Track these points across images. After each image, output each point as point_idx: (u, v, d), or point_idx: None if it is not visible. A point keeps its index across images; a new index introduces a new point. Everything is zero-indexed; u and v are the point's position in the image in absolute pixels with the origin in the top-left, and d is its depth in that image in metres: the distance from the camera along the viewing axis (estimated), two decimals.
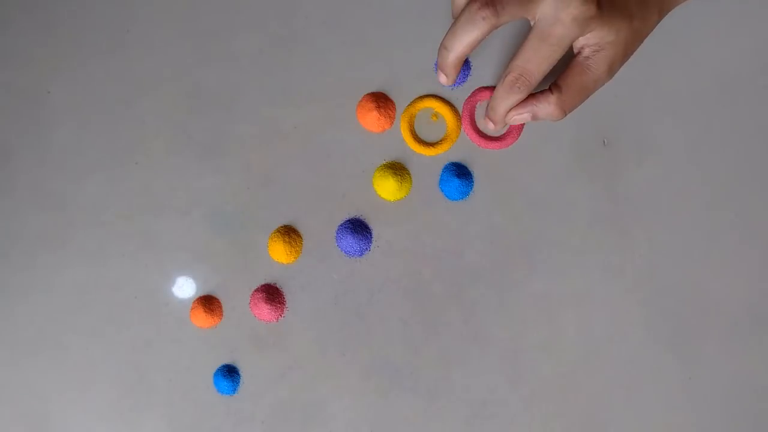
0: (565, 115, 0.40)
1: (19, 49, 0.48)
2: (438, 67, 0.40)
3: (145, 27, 0.48)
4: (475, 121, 0.47)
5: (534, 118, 0.41)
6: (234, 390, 0.45)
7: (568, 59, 0.40)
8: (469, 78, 0.47)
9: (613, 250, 0.46)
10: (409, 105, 0.47)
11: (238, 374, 0.46)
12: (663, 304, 0.46)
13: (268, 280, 0.46)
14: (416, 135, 0.47)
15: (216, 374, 0.45)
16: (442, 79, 0.41)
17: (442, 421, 0.45)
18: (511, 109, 0.40)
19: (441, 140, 0.47)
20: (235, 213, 0.47)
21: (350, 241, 0.46)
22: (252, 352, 0.46)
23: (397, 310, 0.46)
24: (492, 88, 0.47)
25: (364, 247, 0.46)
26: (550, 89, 0.40)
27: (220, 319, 0.46)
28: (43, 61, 0.48)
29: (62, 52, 0.48)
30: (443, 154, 0.47)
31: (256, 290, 0.46)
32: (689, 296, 0.46)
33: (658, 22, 0.41)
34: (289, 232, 0.46)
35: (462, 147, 0.47)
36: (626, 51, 0.40)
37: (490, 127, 0.42)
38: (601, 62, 0.39)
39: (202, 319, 0.46)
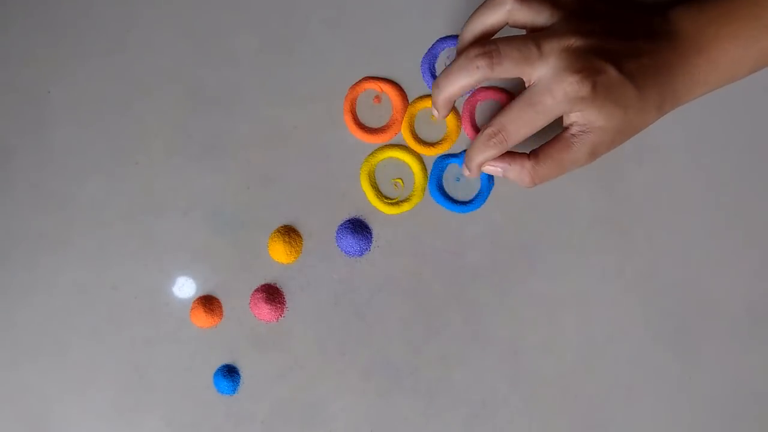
0: (535, 185, 0.41)
1: (19, 49, 0.48)
2: (432, 101, 0.42)
3: (145, 27, 0.48)
4: (475, 121, 0.47)
5: (504, 176, 0.41)
6: (234, 390, 0.45)
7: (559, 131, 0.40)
8: None
9: (613, 250, 0.46)
10: (409, 105, 0.47)
11: (238, 374, 0.46)
12: (663, 304, 0.46)
13: (268, 280, 0.46)
14: (416, 135, 0.47)
15: (216, 374, 0.45)
16: (435, 113, 0.42)
17: (442, 421, 0.45)
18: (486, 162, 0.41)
19: (441, 140, 0.47)
20: (235, 213, 0.47)
21: (350, 241, 0.46)
22: (252, 352, 0.46)
23: (397, 310, 0.46)
24: (493, 89, 0.47)
25: (364, 247, 0.46)
26: (528, 155, 0.40)
27: (220, 319, 0.46)
28: (43, 61, 0.48)
29: (62, 52, 0.48)
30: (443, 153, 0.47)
31: (256, 290, 0.46)
32: (689, 296, 0.46)
33: (656, 118, 0.41)
34: (289, 232, 0.46)
35: (462, 147, 0.47)
36: (614, 139, 0.40)
37: (465, 173, 0.43)
38: (585, 144, 0.39)
39: (202, 319, 0.46)
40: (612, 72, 0.38)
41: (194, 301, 0.46)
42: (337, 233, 0.46)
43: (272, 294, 0.46)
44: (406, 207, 0.47)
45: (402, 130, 0.47)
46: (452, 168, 0.47)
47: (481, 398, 0.45)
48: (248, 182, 0.47)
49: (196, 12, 0.48)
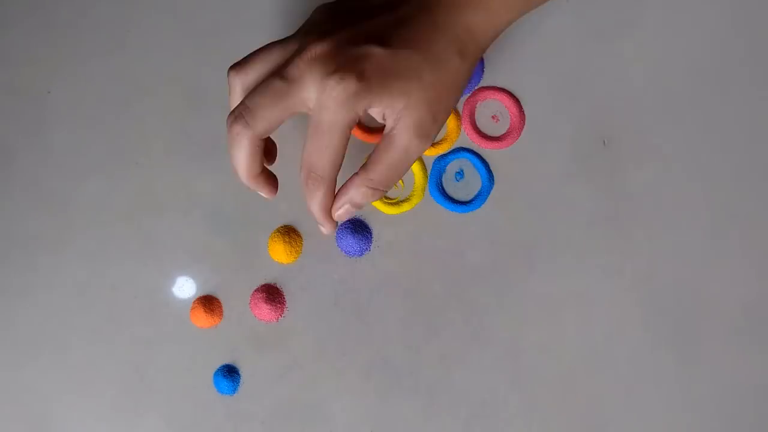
0: (384, 192, 0.37)
1: (19, 49, 0.48)
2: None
3: (145, 27, 0.48)
4: (475, 121, 0.47)
5: (357, 206, 0.38)
6: (234, 390, 0.45)
7: None
8: (482, 80, 0.47)
9: (613, 250, 0.46)
10: None
11: (238, 374, 0.46)
12: (663, 304, 0.46)
13: (268, 280, 0.46)
14: None
15: (216, 374, 0.45)
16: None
17: (442, 421, 0.45)
18: (330, 207, 0.38)
19: (441, 140, 0.47)
20: (235, 213, 0.47)
21: (350, 241, 0.46)
22: (252, 352, 0.46)
23: (397, 310, 0.46)
24: (493, 89, 0.47)
25: (364, 247, 0.46)
26: (357, 171, 0.37)
27: (220, 319, 0.46)
28: (43, 61, 0.48)
29: (62, 52, 0.48)
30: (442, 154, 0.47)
31: (256, 290, 0.46)
32: (689, 296, 0.46)
33: (471, 63, 0.37)
34: (289, 232, 0.46)
35: (462, 147, 0.47)
36: (432, 109, 0.36)
37: (325, 232, 0.39)
38: (404, 130, 0.36)
39: (202, 319, 0.46)
40: (374, 50, 0.35)
41: (194, 301, 0.46)
42: (337, 233, 0.46)
43: (272, 294, 0.46)
44: (406, 207, 0.47)
45: None
46: (452, 168, 0.47)
47: (481, 398, 0.45)
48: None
49: (196, 12, 0.48)
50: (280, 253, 0.46)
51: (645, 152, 0.47)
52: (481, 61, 0.47)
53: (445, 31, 0.36)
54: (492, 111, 0.47)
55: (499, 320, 0.46)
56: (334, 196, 0.37)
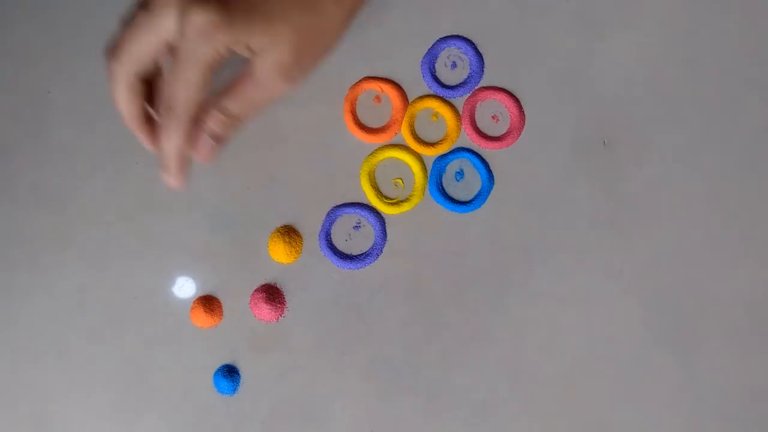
0: (239, 124, 0.36)
1: (19, 49, 0.48)
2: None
3: None
4: (475, 121, 0.47)
5: (217, 139, 0.36)
6: (234, 390, 0.45)
7: None
8: (482, 80, 0.47)
9: (613, 250, 0.46)
10: (409, 105, 0.47)
11: (238, 374, 0.46)
12: (663, 304, 0.46)
13: (268, 280, 0.46)
14: (416, 135, 0.47)
15: (216, 374, 0.45)
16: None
17: (442, 421, 0.45)
18: (183, 151, 0.36)
19: (441, 140, 0.47)
20: (235, 213, 0.47)
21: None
22: (252, 352, 0.46)
23: (397, 310, 0.46)
24: (493, 89, 0.47)
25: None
26: (211, 98, 0.36)
27: (220, 319, 0.46)
28: (43, 61, 0.48)
29: (62, 52, 0.48)
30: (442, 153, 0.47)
31: (256, 290, 0.46)
32: (689, 296, 0.46)
33: (343, 10, 0.36)
34: (289, 232, 0.46)
35: (462, 147, 0.47)
36: (298, 51, 0.35)
37: (170, 183, 0.37)
38: (266, 67, 0.35)
39: (202, 319, 0.46)
40: None
41: (194, 301, 0.46)
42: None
43: (272, 294, 0.46)
44: (406, 207, 0.47)
45: (402, 130, 0.47)
46: (452, 168, 0.47)
47: (481, 398, 0.45)
48: (248, 182, 0.47)
49: None
50: (280, 253, 0.46)
51: (645, 152, 0.47)
52: (481, 61, 0.47)
53: None
54: (492, 111, 0.47)
55: (499, 320, 0.46)
56: (188, 136, 0.35)
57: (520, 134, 0.47)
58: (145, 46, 0.34)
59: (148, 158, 0.47)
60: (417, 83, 0.47)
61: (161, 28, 0.34)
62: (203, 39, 0.33)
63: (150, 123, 0.37)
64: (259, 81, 0.35)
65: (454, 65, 0.47)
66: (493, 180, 0.46)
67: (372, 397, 0.46)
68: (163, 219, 0.47)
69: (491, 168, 0.47)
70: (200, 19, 0.33)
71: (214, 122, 0.36)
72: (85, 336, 0.46)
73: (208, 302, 0.46)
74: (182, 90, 0.34)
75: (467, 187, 0.47)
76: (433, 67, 0.47)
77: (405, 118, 0.47)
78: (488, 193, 0.46)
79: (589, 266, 0.46)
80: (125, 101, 0.36)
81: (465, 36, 0.47)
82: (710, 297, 0.46)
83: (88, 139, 0.47)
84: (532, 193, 0.46)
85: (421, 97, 0.47)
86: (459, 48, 0.47)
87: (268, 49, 0.35)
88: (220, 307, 0.46)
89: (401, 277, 0.46)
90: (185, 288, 0.46)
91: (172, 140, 0.35)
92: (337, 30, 0.37)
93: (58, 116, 0.47)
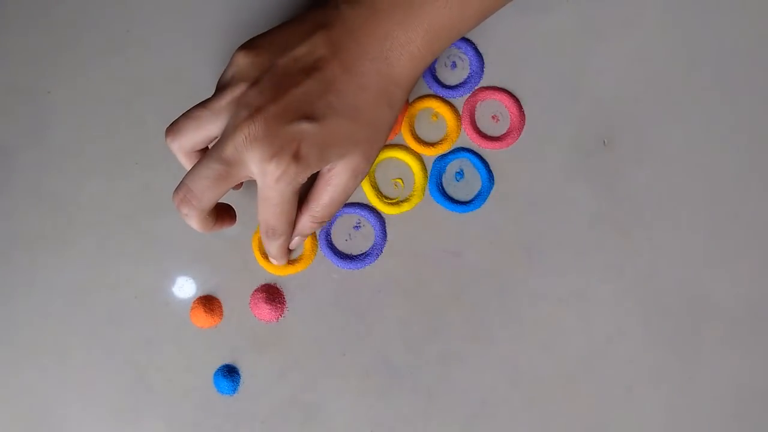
0: (322, 224, 0.41)
1: (19, 49, 0.48)
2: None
3: (145, 27, 0.48)
4: (475, 121, 0.47)
5: (304, 236, 0.42)
6: (234, 390, 0.45)
7: None
8: (482, 80, 0.47)
9: (613, 250, 0.46)
10: (409, 105, 0.47)
11: (238, 374, 0.46)
12: (663, 304, 0.46)
13: (268, 280, 0.46)
14: (416, 135, 0.47)
15: (216, 374, 0.45)
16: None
17: (442, 421, 0.45)
18: (287, 248, 0.42)
19: (441, 140, 0.47)
20: (235, 213, 0.46)
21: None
22: (252, 352, 0.46)
23: (397, 310, 0.46)
24: (494, 89, 0.47)
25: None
26: (301, 209, 0.40)
27: (220, 319, 0.46)
28: (43, 61, 0.48)
29: (62, 52, 0.48)
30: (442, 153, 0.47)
31: (256, 290, 0.46)
32: (689, 296, 0.46)
33: (397, 109, 0.40)
34: None
35: (462, 147, 0.47)
36: (366, 155, 0.39)
37: (274, 263, 0.44)
38: (342, 173, 0.39)
39: (202, 319, 0.46)
40: (306, 128, 0.36)
41: (194, 301, 0.46)
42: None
43: (272, 294, 0.46)
44: (406, 207, 0.47)
45: (402, 130, 0.47)
46: (452, 168, 0.47)
47: (481, 398, 0.45)
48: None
49: (196, 12, 0.48)
50: None
51: (645, 152, 0.47)
52: (481, 61, 0.47)
53: (372, 91, 0.38)
54: (492, 111, 0.47)
55: (499, 320, 0.46)
56: (290, 240, 0.41)
57: (520, 134, 0.47)
58: (221, 191, 0.38)
59: (148, 158, 0.47)
60: (417, 83, 0.47)
61: (240, 177, 0.37)
62: (285, 185, 0.37)
63: (219, 222, 0.42)
64: (336, 184, 0.39)
65: (453, 65, 0.47)
66: (493, 180, 0.46)
67: (372, 397, 0.45)
68: (163, 219, 0.47)
69: (491, 168, 0.47)
70: (279, 173, 0.36)
71: (304, 227, 0.41)
72: (85, 336, 0.46)
73: (208, 302, 0.46)
74: (281, 218, 0.39)
75: (467, 187, 0.47)
76: (433, 66, 0.47)
77: (405, 118, 0.47)
78: (488, 193, 0.46)
79: (589, 265, 0.46)
80: (201, 227, 0.40)
81: (465, 36, 0.47)
82: (710, 297, 0.46)
83: (88, 139, 0.47)
84: (532, 192, 0.46)
85: (421, 97, 0.47)
86: (459, 48, 0.47)
87: (342, 165, 0.39)
88: (220, 307, 0.46)
89: (401, 277, 0.46)
90: (185, 288, 0.46)
91: (277, 247, 0.41)
92: (393, 122, 0.40)
93: (58, 116, 0.47)
